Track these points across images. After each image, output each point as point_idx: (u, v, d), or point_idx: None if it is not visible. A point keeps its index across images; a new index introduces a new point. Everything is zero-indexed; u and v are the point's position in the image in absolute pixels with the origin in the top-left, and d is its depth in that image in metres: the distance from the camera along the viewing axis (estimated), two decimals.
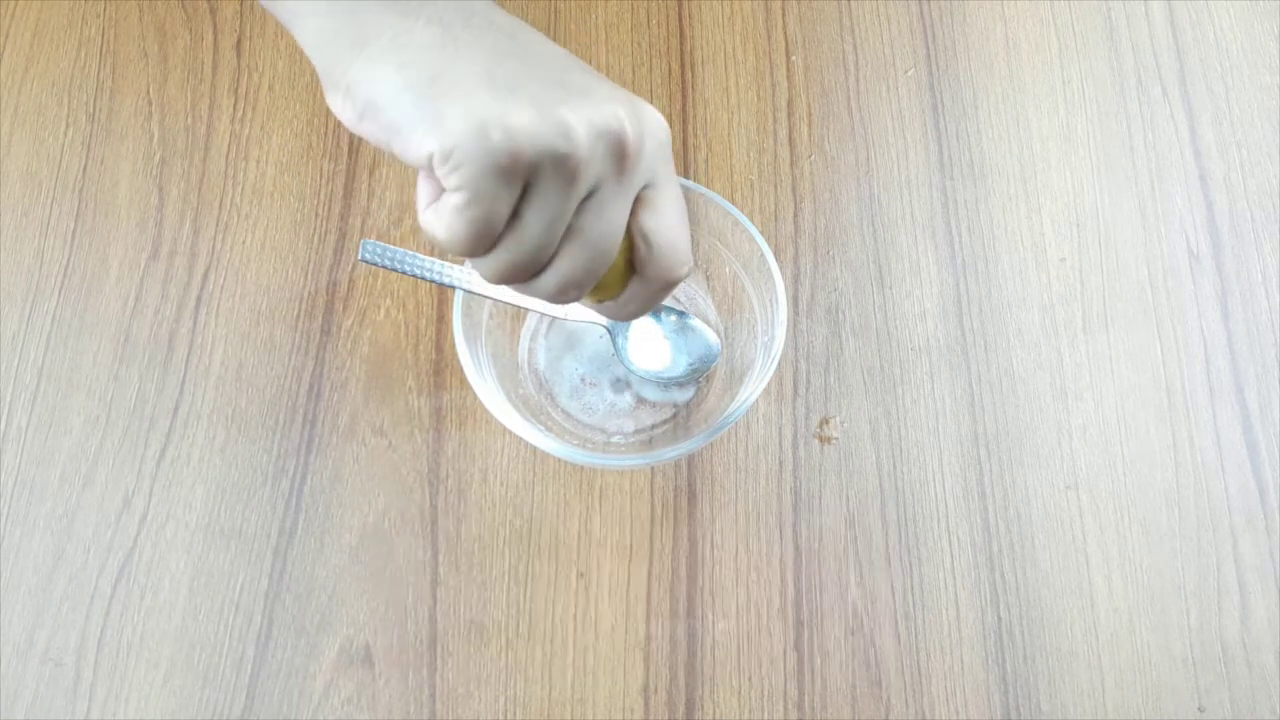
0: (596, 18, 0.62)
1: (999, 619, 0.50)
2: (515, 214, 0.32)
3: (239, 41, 0.62)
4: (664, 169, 0.35)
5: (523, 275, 0.34)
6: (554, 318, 0.52)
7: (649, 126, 0.33)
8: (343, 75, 0.33)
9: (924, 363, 0.55)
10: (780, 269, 0.47)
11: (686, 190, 0.49)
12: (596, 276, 0.34)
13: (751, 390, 0.46)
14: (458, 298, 0.46)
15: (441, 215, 0.32)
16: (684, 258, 0.36)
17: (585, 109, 0.31)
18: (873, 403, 0.54)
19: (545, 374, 0.54)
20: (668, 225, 0.35)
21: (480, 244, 0.32)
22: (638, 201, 0.35)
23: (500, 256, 0.33)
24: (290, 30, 0.36)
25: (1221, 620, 0.50)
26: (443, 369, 0.54)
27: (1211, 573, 0.51)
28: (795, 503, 0.52)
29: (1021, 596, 0.51)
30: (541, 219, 0.32)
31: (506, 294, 0.46)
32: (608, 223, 0.33)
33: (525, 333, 0.55)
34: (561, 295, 0.35)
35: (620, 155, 0.32)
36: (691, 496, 0.52)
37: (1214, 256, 0.57)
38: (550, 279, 0.34)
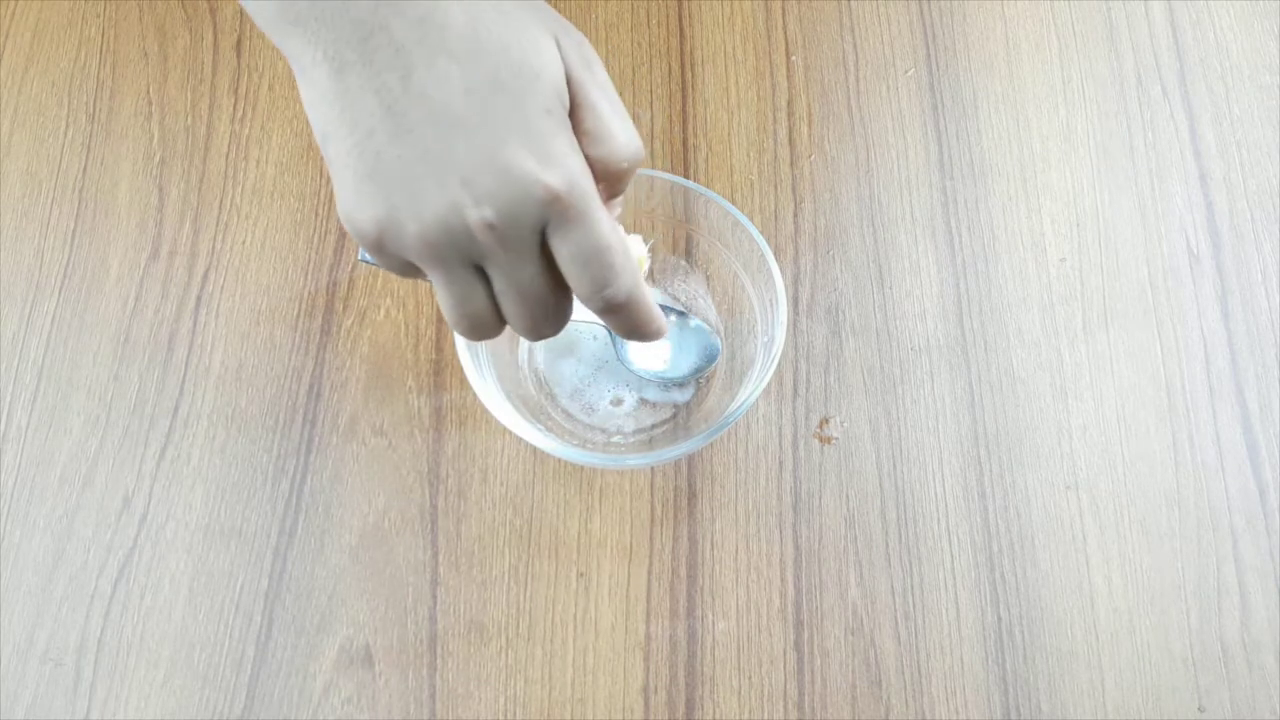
0: (596, 18, 0.62)
1: (999, 619, 0.50)
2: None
3: (239, 41, 0.62)
4: (559, 222, 0.33)
5: (475, 330, 0.37)
6: None
7: (514, 199, 0.32)
8: (299, 84, 0.35)
9: (924, 363, 0.55)
10: (780, 269, 0.47)
11: (687, 190, 0.49)
12: (544, 318, 0.36)
13: (751, 390, 0.46)
14: None
15: None
16: (594, 290, 0.35)
17: (433, 207, 0.32)
18: (873, 403, 0.54)
19: (545, 374, 0.54)
20: (571, 268, 0.34)
21: (408, 279, 0.36)
22: (549, 244, 0.34)
23: (446, 315, 0.36)
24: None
25: (1221, 620, 0.50)
26: (443, 369, 0.54)
27: (1211, 573, 0.51)
28: (795, 503, 0.52)
29: (1021, 596, 0.51)
30: (439, 286, 0.35)
31: None
32: (513, 284, 0.35)
33: None
34: (530, 337, 0.37)
35: (477, 241, 0.33)
36: (691, 496, 0.52)
37: (1214, 256, 0.57)
38: (518, 328, 0.36)
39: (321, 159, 0.59)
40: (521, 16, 0.34)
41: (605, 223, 0.34)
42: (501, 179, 0.32)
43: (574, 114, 0.34)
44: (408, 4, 0.32)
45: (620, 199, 0.38)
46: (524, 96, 0.33)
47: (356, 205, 0.33)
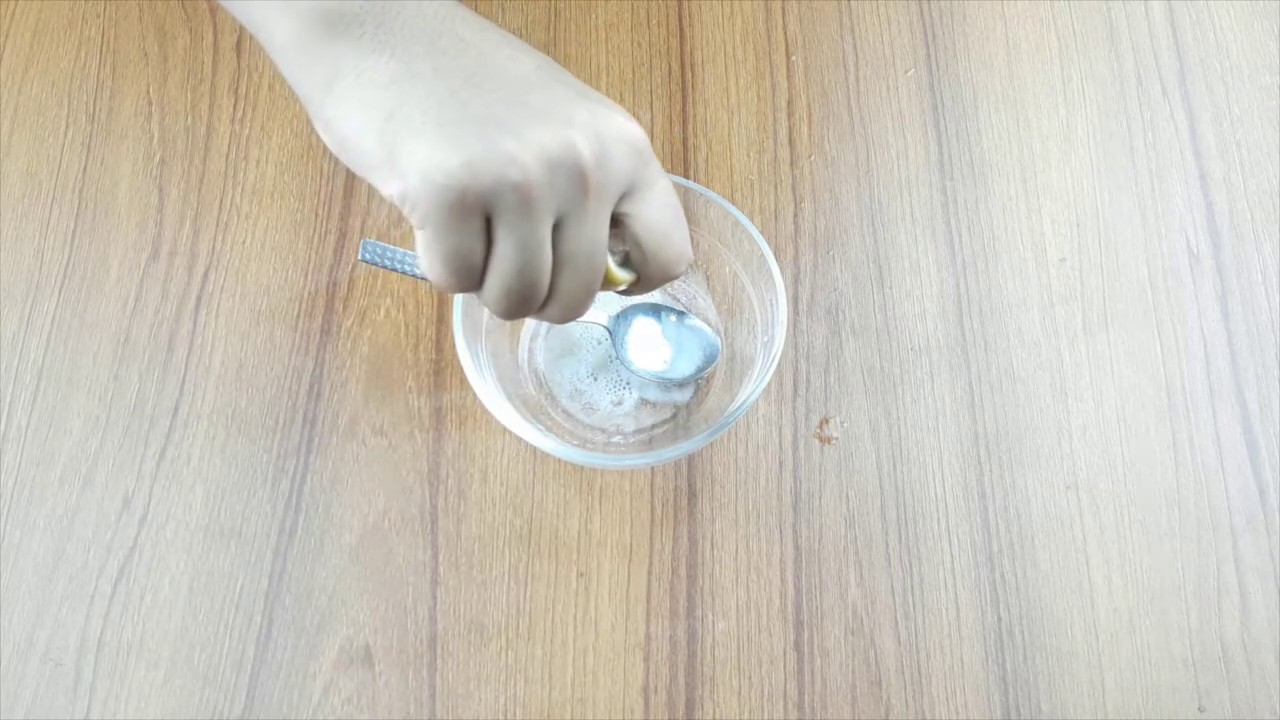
0: (596, 18, 0.62)
1: (999, 619, 0.50)
2: (492, 247, 0.33)
3: (239, 41, 0.62)
4: (645, 172, 0.35)
5: (523, 306, 0.35)
6: None
7: (613, 141, 0.33)
8: (318, 110, 0.34)
9: (924, 363, 0.55)
10: (780, 269, 0.47)
11: (686, 190, 0.49)
12: (592, 295, 0.36)
13: (751, 390, 0.46)
14: (458, 298, 0.46)
15: (419, 252, 0.33)
16: (677, 256, 0.37)
17: (537, 137, 0.32)
18: (873, 403, 0.54)
19: (545, 374, 0.54)
20: (656, 228, 0.35)
21: (460, 278, 0.34)
22: (624, 212, 0.35)
23: (492, 290, 0.34)
24: (276, 65, 0.36)
25: (1221, 620, 0.50)
26: (443, 369, 0.54)
27: (1211, 573, 0.51)
28: (795, 503, 0.52)
29: (1021, 596, 0.51)
30: (512, 248, 0.33)
31: None
32: (586, 245, 0.34)
33: (525, 333, 0.55)
34: (569, 317, 0.37)
35: (579, 179, 0.32)
36: (691, 496, 0.52)
37: (1214, 256, 0.57)
38: (554, 309, 0.36)
39: (323, 159, 0.59)
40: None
41: (669, 187, 0.36)
42: (600, 120, 0.33)
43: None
44: (471, 15, 0.34)
45: None
46: (582, 83, 0.35)
47: (448, 151, 0.31)
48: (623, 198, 0.34)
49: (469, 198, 0.31)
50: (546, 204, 0.32)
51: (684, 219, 0.37)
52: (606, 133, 0.33)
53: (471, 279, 0.34)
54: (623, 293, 0.39)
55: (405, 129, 0.32)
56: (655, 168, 0.35)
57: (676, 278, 0.37)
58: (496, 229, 0.33)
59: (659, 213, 0.35)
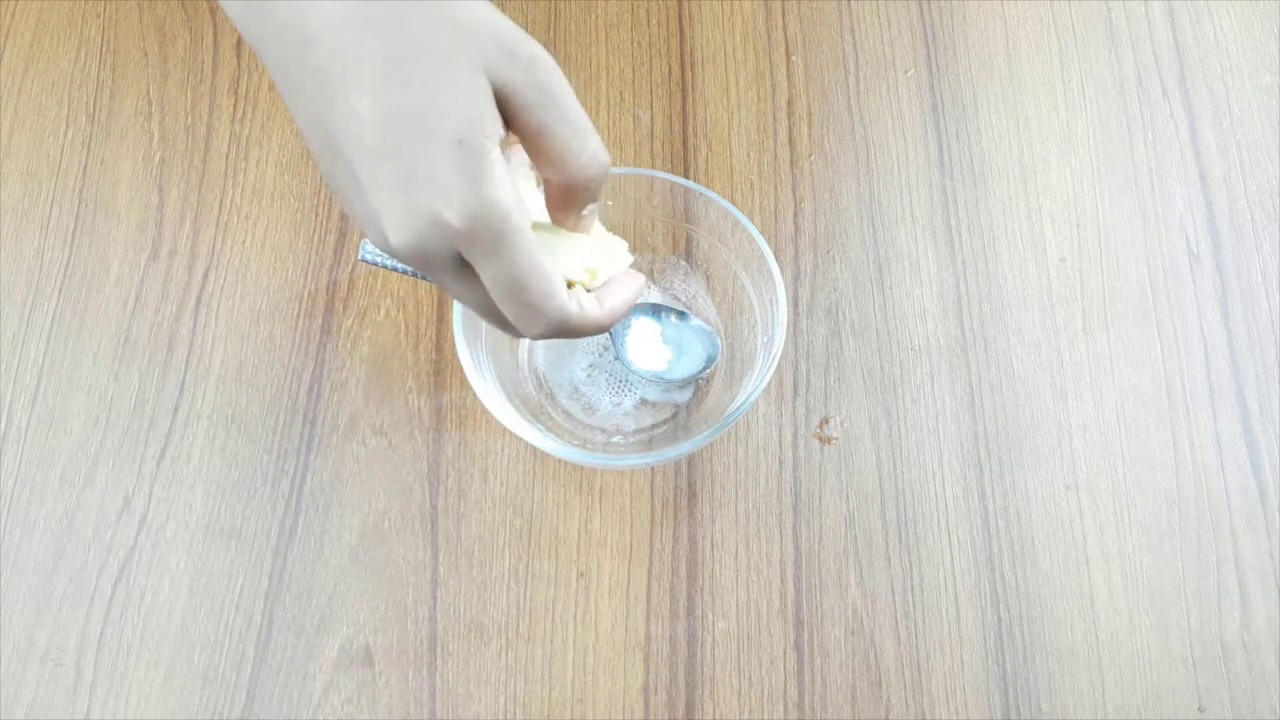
0: (596, 18, 0.62)
1: (999, 619, 0.50)
2: None
3: (239, 41, 0.62)
4: (473, 253, 0.33)
5: (492, 322, 0.37)
6: None
7: (423, 233, 0.32)
8: None
9: (924, 363, 0.55)
10: (780, 269, 0.47)
11: (687, 190, 0.49)
12: (504, 327, 0.37)
13: (751, 390, 0.46)
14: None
15: None
16: (522, 327, 0.36)
17: (372, 226, 0.33)
18: (873, 403, 0.54)
19: (545, 374, 0.54)
20: (498, 299, 0.35)
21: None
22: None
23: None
24: None
25: (1221, 620, 0.50)
26: (443, 369, 0.54)
27: (1211, 573, 0.51)
28: (795, 503, 0.52)
29: (1021, 596, 0.51)
30: (445, 287, 0.36)
31: None
32: (462, 298, 0.36)
33: None
34: (531, 334, 0.37)
35: (411, 261, 0.34)
36: (691, 496, 0.52)
37: (1214, 256, 0.57)
38: (520, 329, 0.37)
39: None
40: (445, 47, 0.33)
41: (522, 256, 0.33)
42: (408, 214, 0.32)
43: (526, 138, 0.35)
44: (327, 34, 0.32)
45: (593, 205, 0.38)
46: (435, 129, 0.32)
47: (349, 210, 0.35)
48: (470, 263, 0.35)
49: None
50: (434, 265, 0.34)
51: (519, 290, 0.34)
52: (410, 227, 0.33)
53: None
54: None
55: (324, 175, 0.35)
56: (478, 244, 0.33)
57: (544, 334, 0.36)
58: None
59: (490, 285, 0.34)
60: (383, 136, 0.32)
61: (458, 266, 0.34)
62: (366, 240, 0.47)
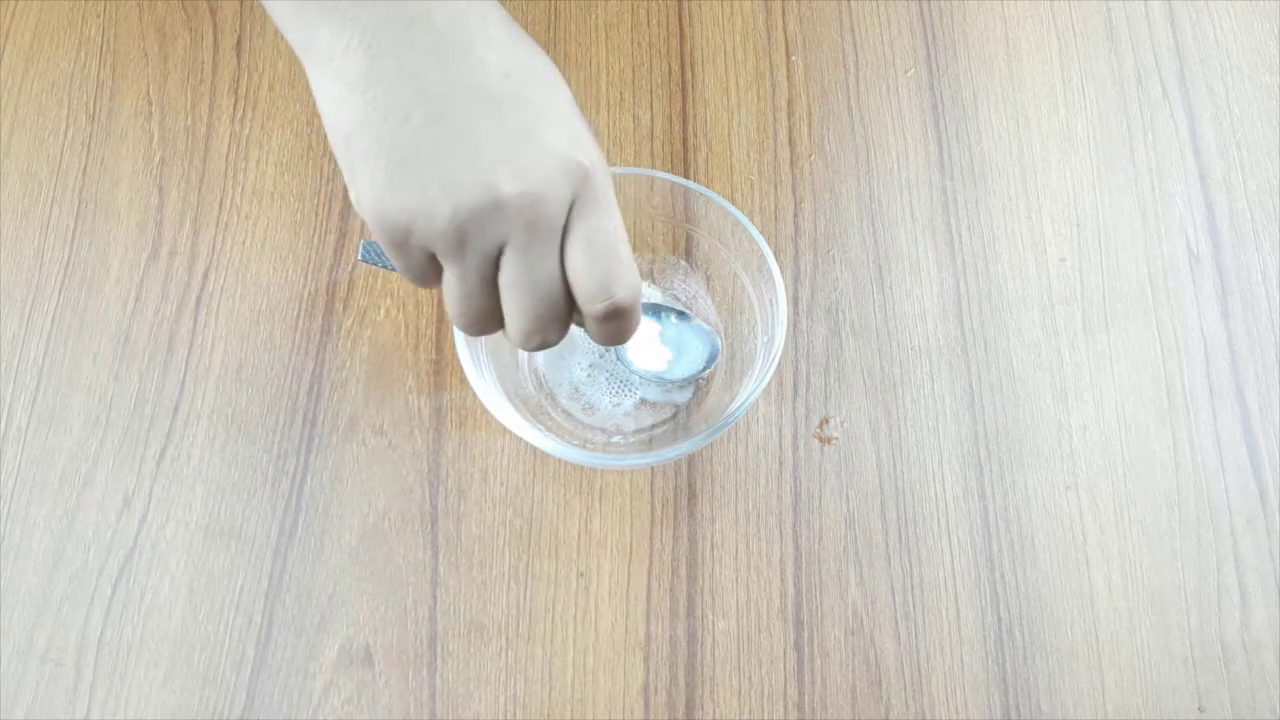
0: (596, 18, 0.62)
1: (999, 619, 0.50)
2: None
3: (239, 41, 0.62)
4: (583, 198, 0.34)
5: (477, 325, 0.37)
6: None
7: (544, 174, 0.33)
8: (304, 63, 0.35)
9: (924, 363, 0.55)
10: (780, 269, 0.47)
11: (686, 190, 0.49)
12: (548, 322, 0.36)
13: (751, 390, 0.46)
14: None
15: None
16: (600, 288, 0.35)
17: (468, 181, 0.32)
18: (873, 403, 0.54)
19: (545, 374, 0.54)
20: (580, 260, 0.35)
21: (421, 285, 0.37)
22: (565, 235, 0.35)
23: (447, 306, 0.36)
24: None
25: (1221, 620, 0.50)
26: (443, 369, 0.54)
27: (1211, 573, 0.51)
28: (795, 503, 0.52)
29: (1021, 596, 0.51)
30: (451, 278, 0.35)
31: None
32: (528, 274, 0.34)
33: None
34: (526, 344, 0.37)
35: (509, 218, 0.33)
36: (691, 496, 0.52)
37: (1214, 256, 0.57)
38: (511, 329, 0.36)
39: (323, 159, 0.59)
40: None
41: (620, 219, 0.35)
42: (536, 153, 0.33)
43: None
44: (451, 2, 0.33)
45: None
46: (556, 86, 0.35)
47: (389, 195, 0.33)
48: (567, 221, 0.34)
49: (408, 237, 0.34)
50: (477, 245, 0.34)
51: (620, 250, 0.35)
52: (541, 168, 0.33)
53: (433, 286, 0.37)
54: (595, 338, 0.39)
55: (361, 155, 0.33)
56: (595, 192, 0.34)
57: (607, 313, 0.36)
58: (443, 262, 0.35)
59: (584, 241, 0.34)
60: (511, 86, 0.33)
61: (560, 222, 0.34)
62: (366, 240, 0.47)
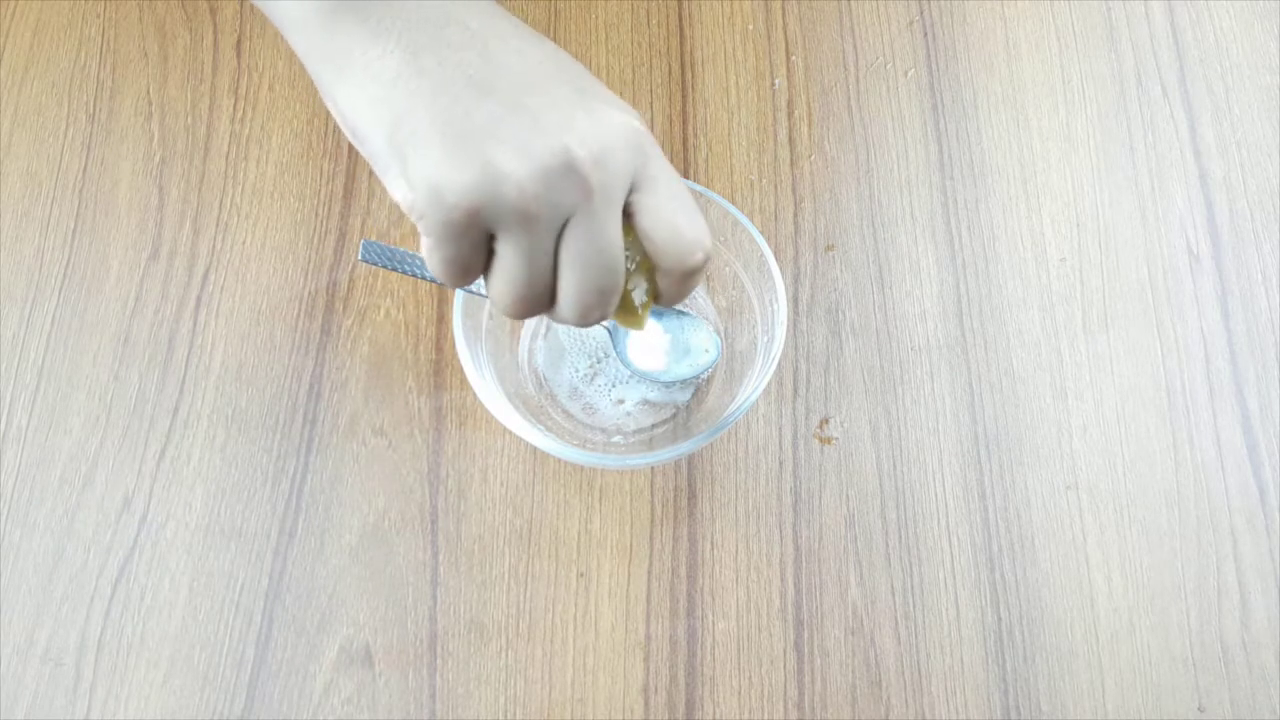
0: (596, 18, 0.62)
1: (999, 619, 0.50)
2: (495, 254, 0.35)
3: (239, 41, 0.62)
4: (647, 166, 0.35)
5: (529, 307, 0.36)
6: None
7: (611, 141, 0.33)
8: (328, 91, 0.35)
9: (924, 363, 0.55)
10: (780, 269, 0.47)
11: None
12: (609, 295, 0.35)
13: (751, 390, 0.46)
14: (458, 298, 0.46)
15: (424, 254, 0.35)
16: (691, 245, 0.36)
17: (536, 148, 0.32)
18: (873, 403, 0.54)
19: (545, 374, 0.54)
20: (665, 221, 0.35)
21: (460, 279, 0.35)
22: (631, 207, 0.35)
23: (497, 293, 0.35)
24: (286, 39, 0.36)
25: (1221, 620, 0.50)
26: (443, 369, 0.54)
27: (1211, 573, 0.51)
28: (795, 503, 0.52)
29: (1021, 596, 0.51)
30: (515, 255, 0.34)
31: None
32: (594, 243, 0.34)
33: (525, 333, 0.55)
34: (584, 319, 0.36)
35: (578, 185, 0.33)
36: (691, 496, 0.52)
37: (1214, 256, 0.57)
38: (564, 307, 0.35)
39: (323, 159, 0.59)
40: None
41: (676, 173, 0.36)
42: (597, 122, 0.33)
43: None
44: (481, 2, 0.35)
45: None
46: (586, 72, 0.36)
47: (451, 173, 0.32)
48: (629, 194, 0.35)
49: (472, 216, 0.32)
50: (547, 215, 0.33)
51: (694, 207, 0.36)
52: (604, 134, 0.33)
53: (472, 279, 0.36)
54: (656, 302, 0.39)
55: (412, 139, 0.32)
56: (657, 160, 0.35)
57: (696, 268, 0.36)
58: (499, 239, 0.34)
59: (664, 202, 0.35)
60: (551, 67, 0.34)
61: (625, 188, 0.34)
62: (366, 240, 0.46)
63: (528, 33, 0.35)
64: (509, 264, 0.34)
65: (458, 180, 0.32)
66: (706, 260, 0.36)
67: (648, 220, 0.35)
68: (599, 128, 0.33)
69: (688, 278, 0.37)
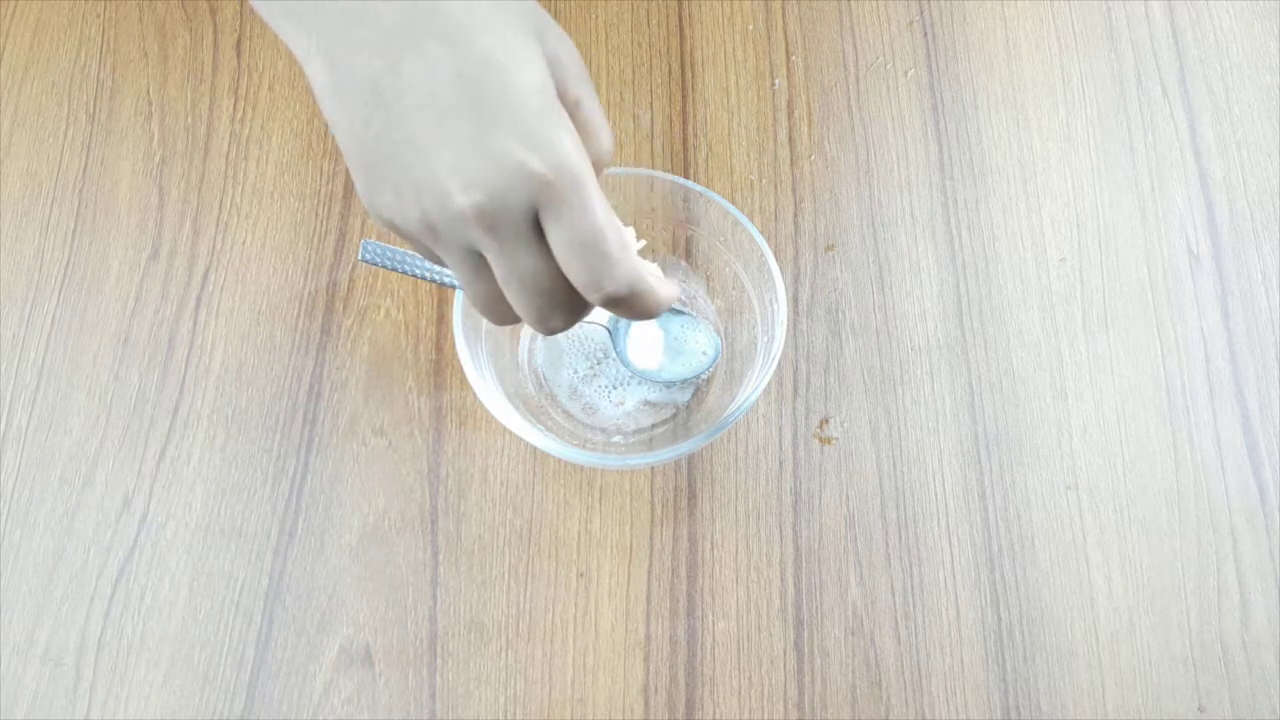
0: (596, 18, 0.62)
1: (999, 619, 0.50)
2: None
3: (239, 41, 0.62)
4: (549, 196, 0.33)
5: (492, 316, 0.37)
6: None
7: (500, 184, 0.32)
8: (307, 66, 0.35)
9: (924, 363, 0.55)
10: (780, 269, 0.47)
11: (686, 190, 0.49)
12: (551, 310, 0.35)
13: (751, 390, 0.46)
14: (458, 298, 0.46)
15: None
16: (595, 274, 0.34)
17: (423, 190, 0.32)
18: (873, 403, 0.54)
19: (545, 374, 0.54)
20: (565, 248, 0.33)
21: (461, 281, 0.37)
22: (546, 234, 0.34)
23: (466, 297, 0.37)
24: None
25: (1221, 620, 0.50)
26: (443, 369, 0.54)
27: (1211, 573, 0.51)
28: (795, 503, 0.52)
29: (1021, 596, 0.51)
30: (457, 271, 0.35)
31: None
32: (512, 269, 0.34)
33: (525, 333, 0.55)
34: (540, 329, 0.37)
35: (471, 226, 0.33)
36: (691, 496, 0.52)
37: (1214, 256, 0.57)
38: (524, 318, 0.36)
39: (323, 159, 0.59)
40: (509, 11, 0.34)
41: (600, 209, 0.33)
42: (487, 163, 0.32)
43: (566, 108, 0.34)
44: None
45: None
46: (516, 78, 0.32)
47: (369, 192, 0.34)
48: (548, 217, 0.33)
49: (401, 233, 0.34)
50: (451, 245, 0.34)
51: (600, 240, 0.33)
52: (491, 178, 0.32)
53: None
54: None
55: (345, 155, 0.34)
56: (560, 194, 0.33)
57: (611, 296, 0.35)
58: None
59: (566, 239, 0.33)
60: (461, 88, 0.32)
61: (528, 225, 0.33)
62: (366, 240, 0.47)
63: (451, 28, 0.32)
64: (459, 278, 0.36)
65: (378, 201, 0.34)
66: (614, 298, 0.34)
67: (558, 254, 0.34)
68: (488, 173, 0.32)
69: (608, 308, 0.35)
